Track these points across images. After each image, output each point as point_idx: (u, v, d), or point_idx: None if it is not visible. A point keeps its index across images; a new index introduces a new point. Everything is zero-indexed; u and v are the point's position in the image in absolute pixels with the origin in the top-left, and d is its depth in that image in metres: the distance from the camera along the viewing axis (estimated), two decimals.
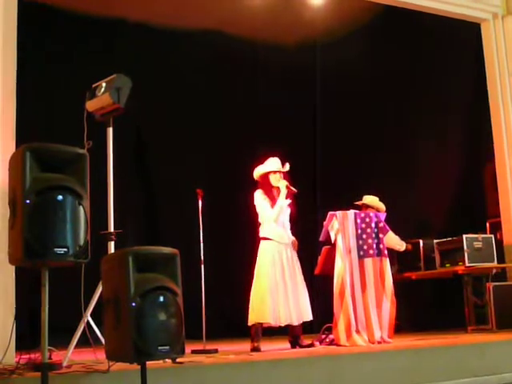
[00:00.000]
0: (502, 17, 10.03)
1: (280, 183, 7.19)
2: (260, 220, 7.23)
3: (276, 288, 6.89)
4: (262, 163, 7.33)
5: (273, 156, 7.32)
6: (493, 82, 10.05)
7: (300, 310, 6.99)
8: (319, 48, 10.77)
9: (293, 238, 7.21)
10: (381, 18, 10.05)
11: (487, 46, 10.13)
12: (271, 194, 7.20)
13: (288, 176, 7.29)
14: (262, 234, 7.19)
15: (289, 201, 7.21)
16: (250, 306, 6.98)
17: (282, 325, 6.95)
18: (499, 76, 9.98)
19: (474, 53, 10.49)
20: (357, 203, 8.30)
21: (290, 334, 7.10)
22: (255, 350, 6.75)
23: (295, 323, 6.95)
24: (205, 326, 6.98)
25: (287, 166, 7.26)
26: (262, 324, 6.94)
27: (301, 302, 7.00)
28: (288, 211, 7.28)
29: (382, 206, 8.25)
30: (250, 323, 6.96)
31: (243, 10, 9.36)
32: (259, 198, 7.20)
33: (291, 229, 7.30)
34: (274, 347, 7.12)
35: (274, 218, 7.12)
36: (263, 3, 9.16)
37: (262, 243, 7.15)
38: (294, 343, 7.06)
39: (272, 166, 7.24)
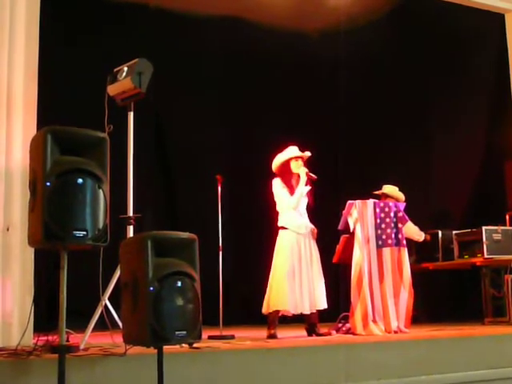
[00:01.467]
0: None
1: (300, 170, 7.15)
2: (278, 209, 7.20)
3: (293, 276, 6.88)
4: (280, 152, 7.30)
5: (293, 144, 7.29)
6: None
7: (314, 298, 6.97)
8: (342, 36, 10.71)
9: (312, 227, 7.18)
10: (403, 6, 9.99)
11: (511, 37, 10.04)
12: (290, 182, 7.16)
13: (307, 165, 7.26)
14: (280, 223, 7.16)
15: (309, 187, 7.17)
16: (267, 293, 6.98)
17: (298, 313, 6.94)
18: None
19: (497, 44, 10.41)
20: (376, 193, 8.26)
21: (307, 321, 7.09)
22: (272, 337, 6.75)
23: (308, 312, 6.93)
24: (222, 312, 7.00)
25: (308, 153, 7.23)
26: (278, 311, 6.94)
27: (316, 290, 6.99)
28: (305, 200, 7.25)
29: (401, 196, 8.20)
30: (265, 311, 6.95)
31: None
32: (278, 186, 7.16)
33: (311, 217, 7.28)
34: (290, 335, 7.11)
35: (293, 205, 7.09)
36: None
37: (281, 232, 7.13)
38: (311, 331, 7.05)
39: (293, 153, 7.21)
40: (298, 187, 7.10)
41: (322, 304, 7.03)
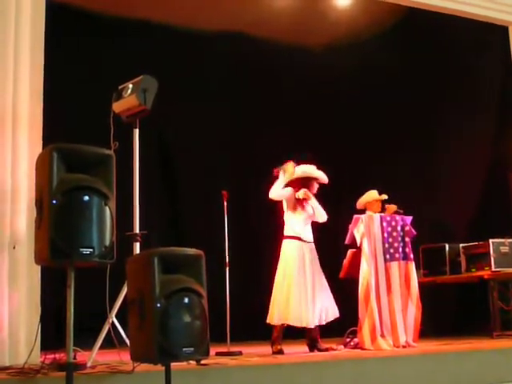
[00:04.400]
0: None
1: (301, 191, 7.19)
2: (284, 218, 7.22)
3: (297, 289, 6.87)
4: (285, 163, 7.28)
5: (293, 157, 7.31)
6: None
7: (324, 311, 6.95)
8: (343, 50, 10.73)
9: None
10: (405, 20, 10.01)
11: None
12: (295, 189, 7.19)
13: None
14: (285, 232, 7.19)
15: (289, 190, 7.17)
16: (271, 303, 6.95)
17: (302, 326, 6.90)
18: None
19: (500, 56, 10.41)
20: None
21: (308, 337, 7.06)
22: (278, 352, 6.73)
23: (313, 325, 6.90)
24: (229, 328, 6.97)
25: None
26: (283, 326, 6.91)
27: (325, 302, 6.98)
28: (309, 211, 7.23)
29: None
30: (269, 320, 6.92)
31: (267, 12, 9.37)
32: (279, 180, 7.17)
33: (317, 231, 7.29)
34: (296, 350, 7.08)
35: (273, 192, 7.08)
36: (287, 5, 9.15)
37: (285, 242, 7.15)
38: (312, 346, 7.01)
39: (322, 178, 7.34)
40: (278, 181, 7.09)
41: (334, 313, 7.00)
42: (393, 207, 7.80)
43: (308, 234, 7.17)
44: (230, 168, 9.73)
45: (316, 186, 7.30)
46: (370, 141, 10.46)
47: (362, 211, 7.83)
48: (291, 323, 6.84)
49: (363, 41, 10.27)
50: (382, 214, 7.46)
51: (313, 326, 6.91)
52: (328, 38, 10.41)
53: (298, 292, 6.85)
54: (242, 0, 9.34)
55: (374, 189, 7.99)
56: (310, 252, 7.08)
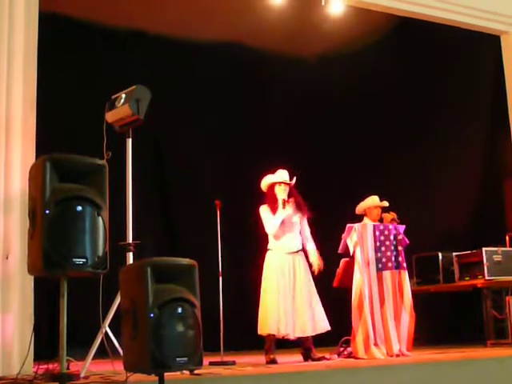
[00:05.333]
0: None
1: (279, 196, 7.17)
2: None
3: (280, 299, 6.86)
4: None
5: (287, 167, 7.31)
6: None
7: (314, 321, 6.94)
8: (337, 60, 10.77)
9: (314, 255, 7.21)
10: (399, 30, 10.04)
11: (507, 58, 10.09)
12: (275, 206, 7.17)
13: (295, 189, 7.26)
14: (268, 245, 7.21)
15: (287, 212, 7.16)
16: (259, 315, 6.96)
17: (286, 336, 6.89)
18: None
19: (493, 65, 10.45)
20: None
21: (302, 346, 7.05)
22: (272, 362, 6.71)
23: (299, 335, 6.89)
24: (223, 337, 6.97)
25: (294, 180, 7.25)
26: (275, 336, 6.90)
27: (315, 313, 6.97)
28: (295, 221, 7.24)
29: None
30: (259, 331, 6.93)
31: (262, 23, 9.37)
32: (263, 211, 7.21)
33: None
34: (289, 359, 7.08)
35: (271, 232, 7.13)
36: (282, 16, 9.16)
37: (267, 254, 7.16)
38: (307, 356, 7.01)
39: (277, 178, 7.24)
40: (277, 212, 7.11)
41: (325, 326, 7.01)
42: (389, 216, 7.83)
43: (289, 244, 7.15)
44: (223, 177, 9.74)
45: (282, 189, 7.22)
46: (364, 149, 10.47)
47: (359, 217, 7.87)
48: (273, 333, 6.81)
49: (357, 50, 10.28)
50: (375, 223, 7.45)
51: (292, 338, 6.89)
52: (322, 48, 10.44)
53: (279, 302, 6.84)
54: (237, 11, 9.34)
55: (366, 197, 8.00)
56: (294, 261, 7.07)
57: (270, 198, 7.22)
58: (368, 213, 7.90)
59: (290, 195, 7.21)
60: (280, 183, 7.20)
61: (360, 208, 8.01)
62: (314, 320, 6.95)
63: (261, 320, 6.91)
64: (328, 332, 7.06)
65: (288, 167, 7.32)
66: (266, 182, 7.29)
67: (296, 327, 6.85)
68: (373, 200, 7.97)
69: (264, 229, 7.21)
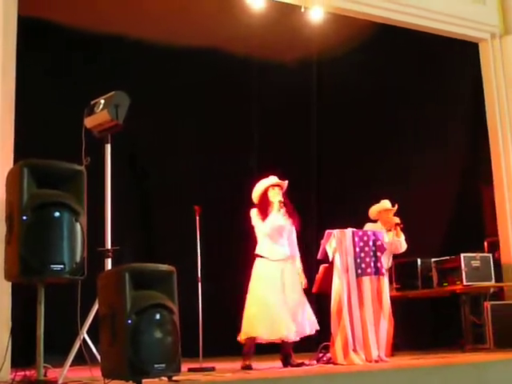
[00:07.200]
0: (499, 36, 10.08)
1: (275, 198, 7.18)
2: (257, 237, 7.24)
3: (267, 303, 6.85)
4: (259, 180, 7.32)
5: (272, 173, 7.32)
6: (491, 102, 10.08)
7: (301, 325, 6.95)
8: (317, 65, 10.80)
9: (289, 254, 7.20)
10: (379, 36, 10.08)
11: (485, 65, 10.17)
12: (267, 211, 7.16)
13: (286, 195, 7.28)
14: (256, 251, 7.19)
15: (281, 215, 7.17)
16: (243, 321, 6.95)
17: (273, 339, 6.88)
18: (497, 96, 10.01)
19: (472, 73, 10.52)
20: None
21: (282, 352, 7.04)
22: (246, 368, 6.68)
23: (287, 338, 6.89)
24: (202, 344, 6.95)
25: (285, 182, 7.27)
26: (254, 341, 6.88)
27: (304, 316, 6.98)
28: (288, 228, 7.25)
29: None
30: (239, 338, 6.91)
31: (242, 29, 9.37)
32: (254, 216, 7.19)
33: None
34: (266, 366, 7.06)
35: (266, 232, 7.10)
36: (261, 22, 9.17)
37: (256, 261, 7.15)
38: (286, 362, 7.00)
39: (270, 181, 7.25)
40: (270, 215, 7.11)
41: (314, 327, 7.02)
42: (395, 219, 8.00)
43: (281, 251, 7.16)
44: (202, 183, 9.72)
45: (276, 193, 7.23)
46: (342, 154, 10.50)
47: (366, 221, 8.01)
48: (259, 335, 6.81)
49: (337, 57, 10.32)
50: (354, 229, 7.45)
51: (287, 339, 6.89)
52: (302, 54, 10.45)
53: (267, 305, 6.84)
54: (217, 16, 9.33)
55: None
56: (284, 268, 7.07)
57: (262, 202, 7.21)
58: (380, 217, 8.03)
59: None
60: (274, 186, 7.21)
61: (372, 212, 8.11)
62: (302, 324, 6.96)
63: (248, 323, 6.88)
64: (307, 338, 7.07)
65: (267, 172, 7.33)
66: (260, 186, 7.27)
67: (280, 330, 6.84)
68: (384, 204, 8.12)
69: (254, 232, 7.20)
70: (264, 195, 7.22)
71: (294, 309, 6.96)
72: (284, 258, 7.14)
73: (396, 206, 8.08)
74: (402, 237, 8.19)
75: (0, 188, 5.39)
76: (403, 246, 8.23)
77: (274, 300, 6.88)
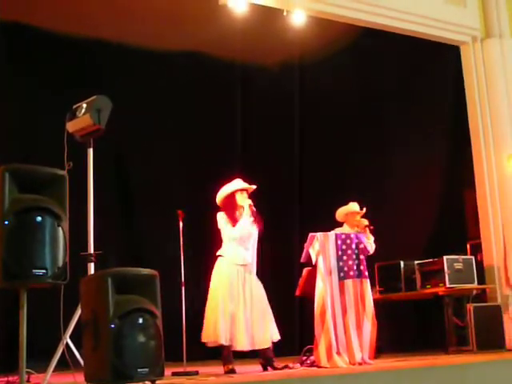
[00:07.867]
0: (481, 40, 10.14)
1: (244, 202, 7.16)
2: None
3: (226, 307, 6.80)
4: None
5: (247, 177, 7.30)
6: (472, 105, 10.16)
7: (261, 335, 6.87)
8: (300, 68, 10.82)
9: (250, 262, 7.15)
10: (361, 39, 10.11)
11: (466, 68, 10.24)
12: (234, 215, 7.12)
13: (253, 198, 7.26)
14: (219, 252, 7.13)
15: (251, 219, 7.16)
16: (204, 322, 6.91)
17: (235, 348, 6.82)
18: (479, 99, 10.07)
19: (454, 76, 10.58)
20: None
21: (262, 356, 6.99)
22: (230, 372, 6.65)
23: (246, 349, 6.83)
24: (185, 348, 6.94)
25: (253, 186, 7.25)
26: (230, 346, 6.82)
27: (263, 326, 6.90)
28: (253, 234, 7.24)
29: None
30: (202, 339, 6.87)
31: (224, 32, 9.38)
32: (221, 219, 7.13)
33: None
34: (249, 369, 7.03)
35: (235, 236, 7.04)
36: (244, 25, 9.19)
37: (218, 260, 7.09)
38: (266, 366, 6.95)
39: (238, 185, 7.23)
40: (241, 219, 7.10)
41: (274, 336, 6.98)
42: (364, 222, 7.96)
43: (242, 255, 7.09)
44: (185, 187, 9.71)
45: (244, 197, 7.19)
46: (325, 158, 10.53)
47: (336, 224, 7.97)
48: (219, 341, 6.75)
49: (318, 60, 10.34)
50: (338, 233, 7.47)
51: (246, 349, 6.82)
52: (285, 58, 10.47)
53: (226, 310, 6.80)
54: (199, 20, 9.33)
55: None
56: (245, 274, 7.01)
57: (228, 206, 7.17)
58: (346, 220, 8.02)
59: None
60: (242, 190, 7.19)
61: (340, 214, 8.11)
62: (262, 334, 6.90)
63: (208, 327, 6.83)
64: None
65: (248, 176, 7.34)
66: (226, 190, 7.22)
67: (254, 340, 6.81)
68: (352, 207, 8.10)
69: (221, 235, 7.17)
70: (231, 199, 7.19)
71: (253, 319, 6.86)
72: (246, 264, 7.06)
73: (364, 209, 8.08)
74: (372, 239, 8.16)
75: None
76: (372, 248, 8.21)
77: (231, 309, 6.81)
